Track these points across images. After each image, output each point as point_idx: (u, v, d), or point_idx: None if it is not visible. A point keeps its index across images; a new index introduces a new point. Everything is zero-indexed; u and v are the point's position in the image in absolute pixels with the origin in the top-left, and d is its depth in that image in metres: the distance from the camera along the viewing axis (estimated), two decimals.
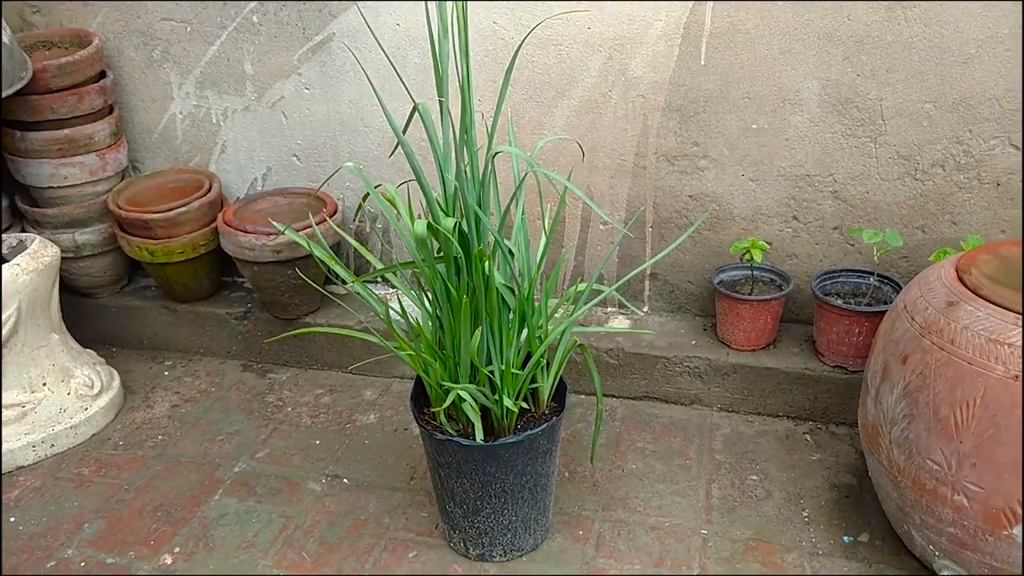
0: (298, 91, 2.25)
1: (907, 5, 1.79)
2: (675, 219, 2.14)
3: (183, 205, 2.18)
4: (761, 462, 1.91)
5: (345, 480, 1.92)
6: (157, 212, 2.16)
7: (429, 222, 1.34)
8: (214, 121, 2.36)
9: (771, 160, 2.01)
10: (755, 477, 1.86)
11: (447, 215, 1.38)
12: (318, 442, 2.06)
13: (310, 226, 2.10)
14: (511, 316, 1.48)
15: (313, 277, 2.24)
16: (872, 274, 1.97)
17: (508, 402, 1.47)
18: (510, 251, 1.49)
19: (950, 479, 1.36)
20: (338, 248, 2.40)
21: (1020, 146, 1.84)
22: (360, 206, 1.51)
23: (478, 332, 1.35)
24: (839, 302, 1.91)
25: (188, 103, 2.35)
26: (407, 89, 1.46)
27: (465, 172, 1.42)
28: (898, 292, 1.93)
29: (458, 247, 1.38)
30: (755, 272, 2.08)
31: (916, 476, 1.42)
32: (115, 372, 2.22)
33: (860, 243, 2.04)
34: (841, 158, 1.97)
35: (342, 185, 2.35)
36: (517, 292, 1.48)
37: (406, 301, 2.27)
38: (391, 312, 1.56)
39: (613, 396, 2.16)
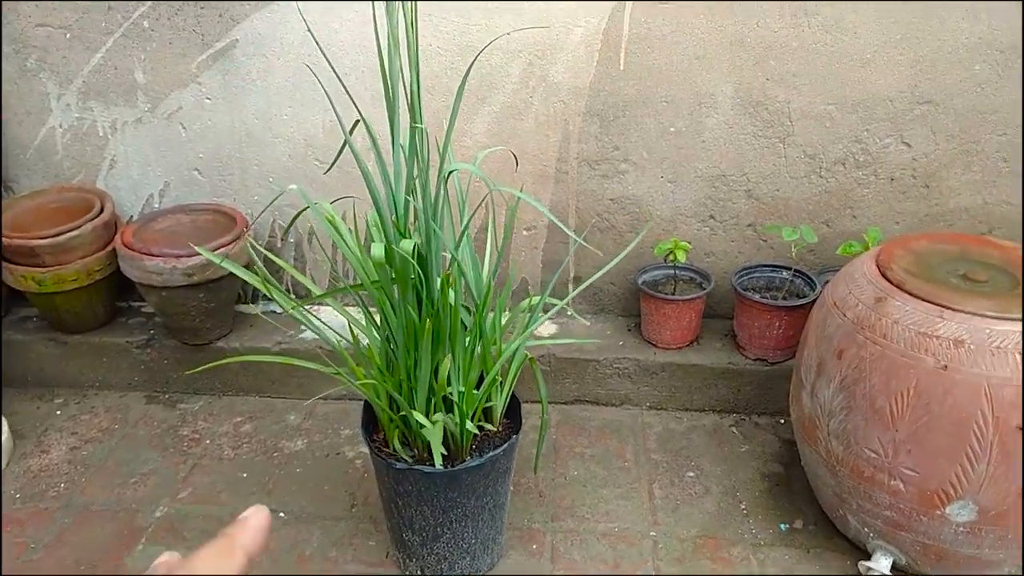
0: (198, 101, 2.10)
1: (811, 11, 1.88)
2: (597, 222, 2.17)
3: (74, 228, 1.99)
4: (695, 458, 1.98)
5: (282, 514, 1.82)
6: (45, 237, 1.95)
7: (387, 246, 1.29)
8: (101, 134, 2.16)
9: (689, 162, 2.08)
10: (692, 474, 1.93)
11: (403, 236, 1.32)
12: (245, 475, 1.94)
13: (223, 246, 1.98)
14: (467, 337, 1.45)
15: (226, 299, 2.12)
16: (788, 269, 2.08)
17: (470, 425, 1.44)
18: (460, 269, 1.46)
19: (887, 466, 1.46)
20: (248, 268, 2.26)
21: (914, 146, 1.99)
22: (291, 224, 1.43)
23: (447, 359, 1.31)
24: (760, 297, 2.00)
25: (70, 115, 2.14)
26: (329, 97, 1.38)
27: (415, 190, 1.37)
28: (809, 284, 2.04)
29: (418, 268, 1.33)
30: (677, 272, 2.15)
31: (854, 465, 1.51)
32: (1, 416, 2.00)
33: (772, 239, 2.14)
34: (753, 158, 2.05)
35: (249, 199, 2.21)
36: (473, 311, 1.45)
37: (334, 321, 2.18)
38: (309, 333, 1.48)
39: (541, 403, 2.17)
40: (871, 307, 1.49)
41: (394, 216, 1.36)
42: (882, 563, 1.56)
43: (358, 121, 1.35)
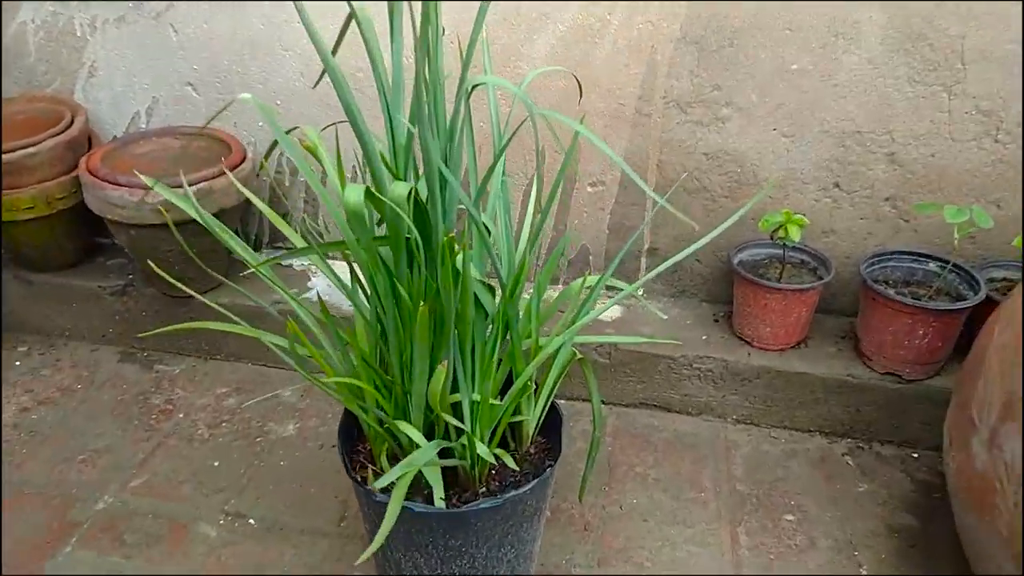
0: None
1: None
2: (684, 181, 1.68)
3: (31, 145, 1.61)
4: (795, 495, 1.50)
5: (251, 520, 1.43)
6: None
7: (368, 188, 0.85)
8: (78, 34, 1.77)
9: (813, 111, 1.57)
10: (791, 517, 1.45)
11: (397, 178, 0.88)
12: (217, 464, 1.56)
13: (209, 178, 1.57)
14: (489, 326, 1.01)
15: (213, 244, 1.71)
16: (939, 260, 1.56)
17: (482, 449, 1.00)
18: (487, 228, 1.01)
19: None
20: (249, 208, 1.87)
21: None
22: (266, 157, 1.01)
23: (442, 369, 0.87)
24: (898, 294, 1.49)
25: (42, 9, 1.75)
26: None
27: (426, 113, 0.91)
28: (968, 283, 1.52)
29: (413, 226, 0.88)
30: (786, 252, 1.65)
31: None
32: None
33: (918, 220, 1.62)
34: (903, 111, 1.53)
35: (253, 125, 1.80)
36: (499, 291, 1.00)
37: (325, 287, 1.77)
38: (321, 290, 1.06)
39: (601, 402, 1.72)
40: None
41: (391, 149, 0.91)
42: None
43: (351, 16, 0.92)
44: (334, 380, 0.97)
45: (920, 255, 1.60)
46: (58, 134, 1.64)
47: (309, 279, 1.86)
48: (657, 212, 1.73)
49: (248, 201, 1.81)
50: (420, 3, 0.86)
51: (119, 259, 1.92)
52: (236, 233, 1.80)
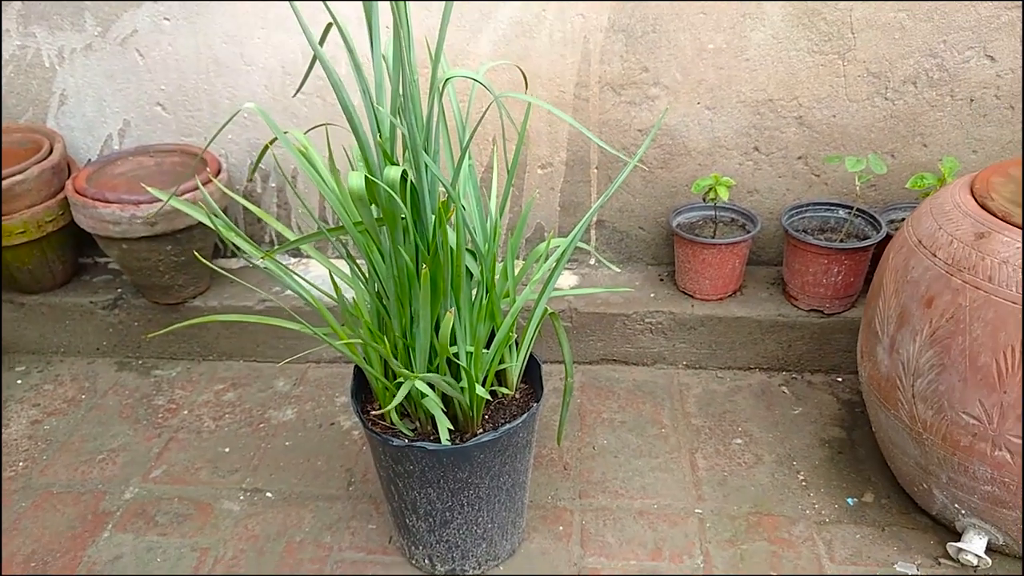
0: (155, 23, 1.81)
1: None
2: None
3: (18, 173, 1.72)
4: (742, 422, 1.72)
5: (269, 494, 1.59)
6: None
7: (367, 175, 1.02)
8: (47, 65, 1.88)
9: (730, 84, 1.78)
10: (739, 440, 1.68)
11: (391, 163, 1.05)
12: (227, 450, 1.70)
13: (192, 190, 1.71)
14: (475, 285, 1.19)
15: (199, 251, 1.85)
16: (846, 207, 1.80)
17: (480, 390, 1.18)
18: (462, 206, 1.19)
19: (990, 434, 1.20)
20: (226, 215, 2.00)
21: (999, 61, 1.69)
22: (260, 157, 1.16)
23: (450, 314, 1.05)
24: (815, 240, 1.72)
25: (10, 43, 1.85)
26: (296, 10, 1.10)
27: (401, 107, 1.09)
28: (872, 224, 1.77)
29: (403, 205, 1.06)
30: (717, 212, 1.87)
31: (947, 432, 1.25)
32: None
33: (827, 173, 1.86)
34: (807, 79, 1.76)
35: (223, 139, 1.94)
36: (479, 256, 1.18)
37: (319, 275, 1.92)
38: (302, 288, 1.22)
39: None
40: (971, 245, 1.21)
41: (379, 139, 1.08)
42: (976, 543, 1.32)
43: (330, 24, 1.07)
44: (346, 343, 1.14)
45: (831, 204, 1.83)
46: (42, 160, 1.76)
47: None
48: (601, 188, 1.92)
49: (224, 210, 1.96)
50: (391, 4, 1.00)
51: (104, 276, 2.03)
52: (217, 239, 1.95)
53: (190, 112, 1.91)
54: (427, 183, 1.08)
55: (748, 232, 1.81)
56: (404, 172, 1.02)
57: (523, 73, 1.41)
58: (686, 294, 1.87)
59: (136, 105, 1.91)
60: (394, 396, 1.22)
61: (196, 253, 1.57)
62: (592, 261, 2.03)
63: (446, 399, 1.23)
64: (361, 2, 1.04)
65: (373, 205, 1.11)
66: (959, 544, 1.33)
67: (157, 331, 1.89)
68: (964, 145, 1.78)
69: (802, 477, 1.57)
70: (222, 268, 2.00)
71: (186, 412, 1.82)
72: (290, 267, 2.04)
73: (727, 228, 1.86)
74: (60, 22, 1.81)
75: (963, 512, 1.33)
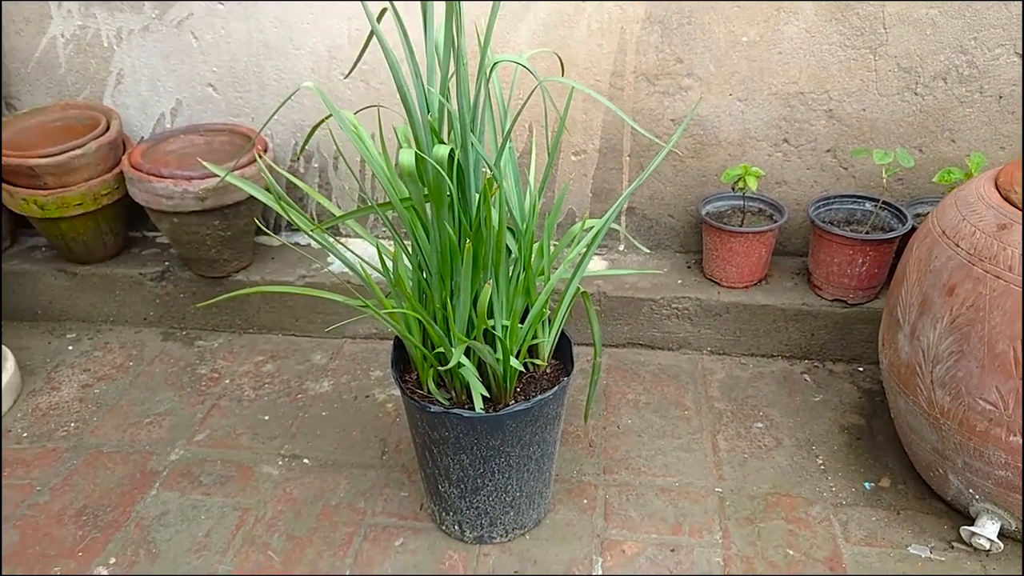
0: (210, 7, 1.88)
1: None
2: (656, 146, 1.93)
3: (78, 147, 1.80)
4: (763, 407, 1.77)
5: (306, 460, 1.66)
6: (46, 156, 1.78)
7: (417, 152, 1.08)
8: (106, 45, 1.96)
9: (762, 77, 1.82)
10: (760, 424, 1.72)
11: (440, 141, 1.11)
12: (267, 418, 1.79)
13: (238, 168, 1.78)
14: (512, 263, 1.25)
15: (244, 227, 1.94)
16: (872, 200, 1.84)
17: (514, 362, 1.25)
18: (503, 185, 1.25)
19: (1006, 420, 1.24)
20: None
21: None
22: (309, 135, 1.23)
23: (488, 286, 1.11)
24: (842, 230, 1.76)
25: (71, 23, 1.94)
26: None
27: (450, 89, 1.15)
28: (898, 217, 1.80)
29: (450, 183, 1.12)
30: (746, 202, 1.91)
31: (964, 417, 1.29)
32: (7, 350, 1.86)
33: (855, 167, 1.89)
34: (837, 72, 1.79)
35: (270, 120, 2.01)
36: (518, 234, 1.24)
37: (364, 253, 1.99)
38: (337, 265, 1.29)
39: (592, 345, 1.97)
40: (993, 235, 1.25)
41: (430, 118, 1.14)
42: (988, 528, 1.36)
43: (384, 10, 1.14)
44: (389, 312, 1.20)
45: (858, 197, 1.87)
46: (100, 136, 1.84)
47: (328, 256, 2.08)
48: (632, 176, 1.97)
49: (267, 187, 2.04)
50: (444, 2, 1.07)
51: (153, 249, 2.12)
52: (260, 216, 2.03)
53: (239, 93, 1.99)
54: (472, 162, 1.15)
55: (775, 222, 1.85)
56: (452, 151, 1.08)
57: (560, 61, 1.47)
58: (713, 281, 1.92)
59: (188, 85, 1.99)
60: (432, 365, 1.29)
61: (257, 222, 1.65)
62: (621, 247, 2.08)
63: (481, 371, 1.29)
64: None
65: (420, 180, 1.17)
66: (972, 528, 1.38)
67: (202, 303, 1.98)
68: (992, 141, 1.81)
69: (821, 461, 1.62)
70: (265, 244, 2.10)
71: (228, 381, 1.90)
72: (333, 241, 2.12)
73: (755, 218, 1.91)
74: (120, 4, 1.90)
75: (977, 497, 1.37)
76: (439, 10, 1.11)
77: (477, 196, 1.14)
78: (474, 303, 1.22)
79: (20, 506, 1.56)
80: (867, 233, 1.78)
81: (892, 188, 1.89)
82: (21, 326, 2.10)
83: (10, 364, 1.83)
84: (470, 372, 1.23)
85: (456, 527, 1.44)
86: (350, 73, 1.51)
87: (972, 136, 1.81)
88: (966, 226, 1.30)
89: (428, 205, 1.17)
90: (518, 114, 1.17)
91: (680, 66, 1.84)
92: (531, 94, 1.27)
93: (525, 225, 1.26)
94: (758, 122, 1.87)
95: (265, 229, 1.58)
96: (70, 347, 2.04)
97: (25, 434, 1.74)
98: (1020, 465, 1.26)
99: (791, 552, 1.43)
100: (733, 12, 1.76)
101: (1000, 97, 1.76)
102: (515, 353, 1.28)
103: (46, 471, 1.64)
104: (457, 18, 1.09)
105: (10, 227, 2.09)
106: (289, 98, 1.66)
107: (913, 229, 1.74)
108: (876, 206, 1.83)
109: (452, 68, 1.14)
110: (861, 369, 1.87)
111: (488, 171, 1.15)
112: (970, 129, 1.80)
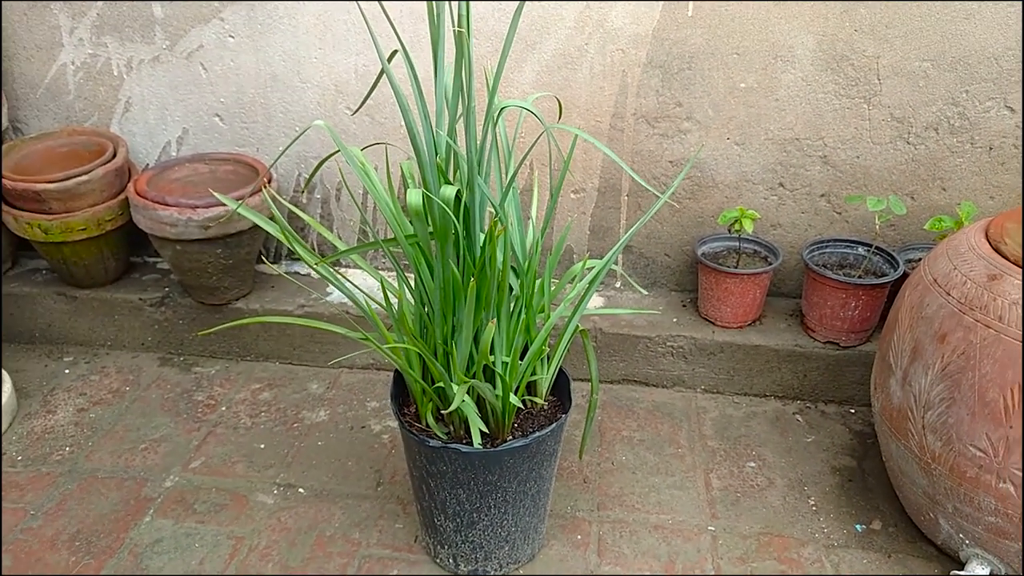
0: (220, 40, 1.92)
1: None
2: (654, 187, 1.97)
3: (84, 173, 1.83)
4: (756, 447, 1.79)
5: (301, 490, 1.67)
6: (52, 181, 1.80)
7: (424, 192, 1.11)
8: (115, 73, 2.00)
9: (759, 122, 1.87)
10: (753, 464, 1.74)
11: (447, 182, 1.14)
12: (263, 446, 1.79)
13: (242, 198, 1.81)
14: (513, 300, 1.27)
15: (246, 256, 1.96)
16: (865, 244, 1.87)
17: (514, 398, 1.26)
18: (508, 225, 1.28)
19: (995, 466, 1.26)
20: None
21: (1019, 111, 1.77)
22: (316, 169, 1.25)
23: (492, 325, 1.13)
24: (836, 274, 1.79)
25: (82, 51, 1.97)
26: (367, 22, 1.20)
27: (456, 131, 1.19)
28: (890, 262, 1.84)
29: (456, 222, 1.15)
30: (741, 243, 1.95)
31: (955, 463, 1.31)
32: (4, 372, 1.86)
33: (848, 212, 1.93)
34: (832, 120, 1.84)
35: (273, 151, 2.04)
36: (520, 272, 1.27)
37: (363, 285, 2.01)
38: (336, 296, 1.31)
39: (589, 381, 1.99)
40: (983, 285, 1.28)
41: (437, 159, 1.17)
42: (978, 573, 1.37)
43: (395, 51, 1.17)
44: (391, 347, 1.22)
45: (851, 242, 1.91)
46: (106, 163, 1.87)
47: (327, 286, 2.10)
48: (630, 214, 2.01)
49: (271, 217, 2.06)
50: (455, 37, 1.11)
51: (153, 274, 2.14)
52: (262, 248, 2.04)
53: (245, 124, 2.02)
54: (478, 202, 1.17)
55: (770, 264, 1.88)
56: (459, 191, 1.11)
57: (559, 103, 1.50)
58: (708, 321, 1.95)
59: (195, 115, 2.02)
60: (431, 399, 1.30)
61: (262, 253, 1.67)
62: (618, 284, 2.11)
63: (479, 406, 1.31)
64: (428, 30, 1.14)
65: (426, 217, 1.20)
66: (962, 573, 1.39)
67: (201, 330, 1.99)
68: (982, 191, 1.85)
69: (813, 502, 1.64)
70: (264, 273, 2.12)
71: (224, 408, 1.91)
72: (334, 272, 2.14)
73: (750, 259, 1.94)
74: (131, 34, 1.93)
75: (967, 542, 1.39)
76: (449, 47, 1.15)
77: (482, 235, 1.16)
78: (475, 340, 1.24)
79: (13, 530, 1.55)
80: (860, 277, 1.82)
81: (884, 234, 1.93)
82: (19, 348, 2.11)
83: (7, 386, 1.83)
84: (470, 408, 1.25)
85: (451, 560, 1.44)
86: (358, 110, 1.54)
87: (963, 185, 1.86)
88: (957, 275, 1.33)
89: (433, 242, 1.20)
90: (524, 157, 1.20)
91: (679, 110, 1.88)
92: (537, 139, 1.30)
93: (527, 263, 1.28)
94: (754, 166, 1.91)
95: (265, 260, 1.59)
96: (67, 370, 2.04)
97: (20, 457, 1.74)
98: (1010, 511, 1.28)
99: None
100: (732, 59, 1.81)
101: (990, 148, 1.81)
102: (514, 389, 1.30)
103: (40, 495, 1.64)
104: (467, 65, 1.13)
105: (11, 250, 2.10)
106: (301, 135, 1.69)
107: (905, 274, 1.77)
108: (869, 251, 1.86)
109: (459, 109, 1.17)
110: (853, 411, 1.89)
111: (493, 211, 1.18)
112: (961, 178, 1.85)
